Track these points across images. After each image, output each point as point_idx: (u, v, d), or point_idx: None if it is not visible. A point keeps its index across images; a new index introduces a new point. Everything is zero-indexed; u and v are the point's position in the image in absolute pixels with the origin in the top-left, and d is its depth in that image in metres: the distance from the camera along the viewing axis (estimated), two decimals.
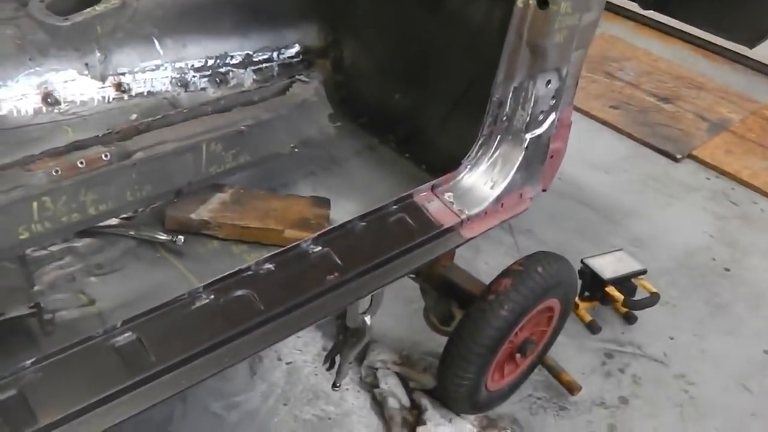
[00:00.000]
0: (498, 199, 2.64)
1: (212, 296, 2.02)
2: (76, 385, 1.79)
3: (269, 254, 2.16)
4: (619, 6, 6.28)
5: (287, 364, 3.29)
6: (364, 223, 2.35)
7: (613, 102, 5.74)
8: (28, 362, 1.76)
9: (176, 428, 2.98)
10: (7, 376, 1.73)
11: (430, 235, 2.45)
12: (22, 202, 2.26)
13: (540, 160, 2.75)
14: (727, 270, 4.26)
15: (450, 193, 2.57)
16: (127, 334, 1.88)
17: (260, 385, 3.19)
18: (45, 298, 2.32)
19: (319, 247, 2.23)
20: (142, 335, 1.89)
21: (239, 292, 2.05)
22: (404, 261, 2.39)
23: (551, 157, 2.83)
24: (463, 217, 2.53)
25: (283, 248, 2.19)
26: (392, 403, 3.11)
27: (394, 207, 2.44)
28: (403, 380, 3.23)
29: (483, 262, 3.93)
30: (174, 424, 2.99)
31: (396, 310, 3.45)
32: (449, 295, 3.04)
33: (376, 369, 3.23)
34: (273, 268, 2.14)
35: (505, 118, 2.58)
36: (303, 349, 3.35)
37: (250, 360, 3.21)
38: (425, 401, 3.12)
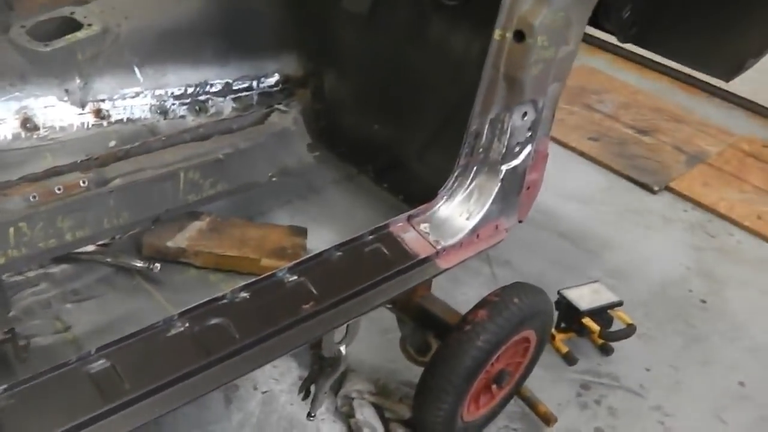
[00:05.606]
0: (474, 230, 2.64)
1: (187, 324, 2.01)
2: (50, 411, 1.78)
3: (244, 283, 2.15)
4: (598, 38, 6.32)
5: (263, 393, 3.27)
6: (340, 253, 2.35)
7: (592, 134, 5.77)
8: (1, 388, 1.74)
9: None
10: None
11: (405, 266, 2.45)
12: None
13: (516, 191, 2.76)
14: (704, 302, 4.28)
15: (426, 224, 2.57)
16: (101, 361, 1.87)
17: (236, 414, 3.17)
18: (20, 323, 2.31)
19: (295, 276, 2.23)
20: (116, 362, 1.88)
21: (214, 321, 2.05)
22: (380, 291, 2.38)
23: (528, 188, 2.84)
24: (439, 247, 2.54)
25: (259, 277, 2.19)
26: None
27: (370, 237, 2.44)
28: (379, 410, 3.21)
29: (461, 293, 3.92)
30: None
31: (372, 340, 3.44)
32: (426, 325, 3.03)
33: (352, 399, 3.22)
34: (248, 297, 2.13)
35: (481, 150, 2.59)
36: (279, 378, 3.33)
37: (226, 388, 3.18)
38: (401, 431, 3.11)
